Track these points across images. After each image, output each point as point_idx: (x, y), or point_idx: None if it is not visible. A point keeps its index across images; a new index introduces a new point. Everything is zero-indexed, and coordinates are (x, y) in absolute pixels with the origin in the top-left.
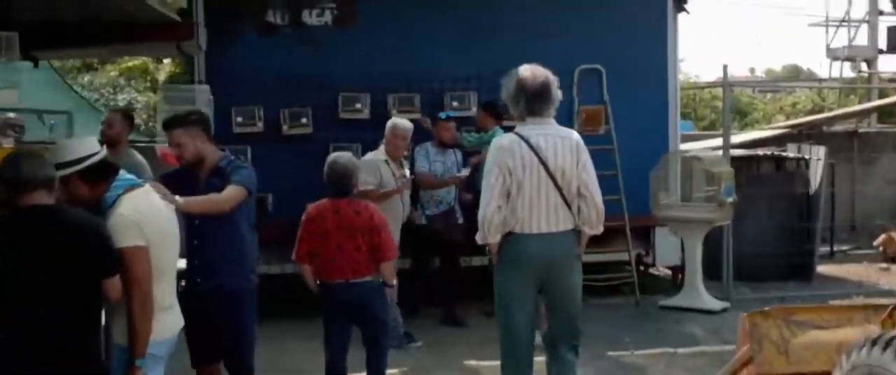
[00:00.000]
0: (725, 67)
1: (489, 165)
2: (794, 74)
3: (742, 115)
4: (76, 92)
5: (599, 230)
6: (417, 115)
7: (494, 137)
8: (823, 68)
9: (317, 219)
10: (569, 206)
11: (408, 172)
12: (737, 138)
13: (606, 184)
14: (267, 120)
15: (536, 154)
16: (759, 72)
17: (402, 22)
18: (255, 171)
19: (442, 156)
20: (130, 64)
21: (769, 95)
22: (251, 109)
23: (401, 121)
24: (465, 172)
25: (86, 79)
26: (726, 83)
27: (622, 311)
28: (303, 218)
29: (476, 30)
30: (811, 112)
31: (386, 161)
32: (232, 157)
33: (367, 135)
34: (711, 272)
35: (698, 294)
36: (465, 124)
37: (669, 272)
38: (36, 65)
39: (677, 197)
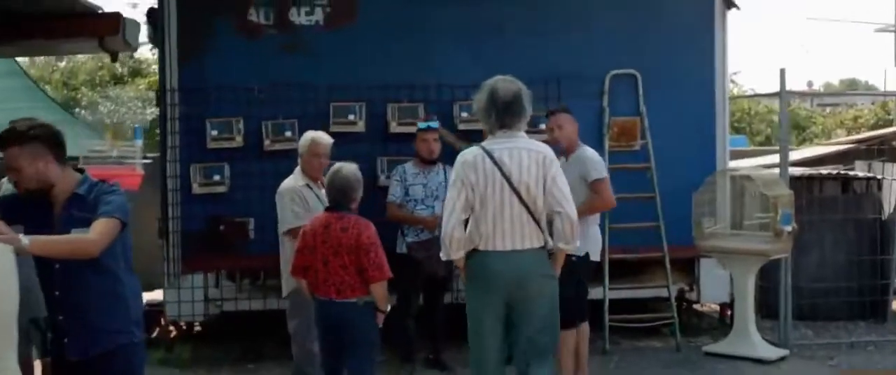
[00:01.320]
0: (783, 72)
1: (452, 180)
2: (853, 87)
3: (800, 130)
4: (54, 101)
5: (575, 245)
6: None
7: None
8: (888, 80)
9: (308, 233)
10: (537, 223)
11: None
12: (795, 155)
13: (642, 207)
14: (247, 133)
15: (499, 169)
16: (817, 86)
17: (405, 21)
18: (125, 197)
19: (423, 177)
20: None
21: (828, 109)
22: (228, 121)
23: (321, 135)
24: None
25: (114, 92)
26: (784, 91)
27: (659, 358)
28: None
29: (490, 30)
30: (875, 126)
31: (307, 185)
32: (95, 181)
33: (362, 149)
34: (766, 309)
35: (750, 338)
36: (476, 138)
37: (717, 308)
38: None
39: (726, 224)
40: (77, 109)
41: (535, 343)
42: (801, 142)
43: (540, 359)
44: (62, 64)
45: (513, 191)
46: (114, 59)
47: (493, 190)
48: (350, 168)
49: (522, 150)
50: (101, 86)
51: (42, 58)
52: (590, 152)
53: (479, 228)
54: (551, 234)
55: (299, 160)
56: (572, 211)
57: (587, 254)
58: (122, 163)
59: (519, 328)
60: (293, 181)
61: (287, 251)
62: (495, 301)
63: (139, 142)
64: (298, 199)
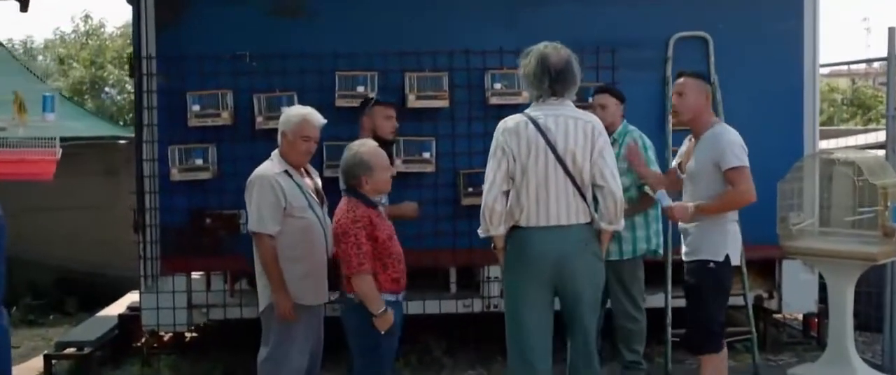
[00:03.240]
0: (892, 31)
1: (492, 148)
2: None
3: (864, 110)
4: (40, 79)
5: (620, 225)
6: (444, 102)
7: (625, 135)
8: None
9: None
10: (583, 197)
11: (319, 181)
12: (865, 138)
13: None
14: (237, 108)
15: (544, 136)
16: (876, 64)
17: None
18: None
19: None
20: None
21: None
22: (214, 95)
23: (314, 113)
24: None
25: None
26: (893, 53)
27: None
28: None
29: None
30: None
31: (286, 172)
32: None
33: None
34: (860, 317)
35: (849, 362)
36: (513, 113)
37: (800, 319)
38: None
39: (815, 219)
40: (105, 88)
41: (589, 340)
42: (867, 122)
43: (591, 357)
44: (91, 41)
45: (558, 161)
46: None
47: (535, 160)
48: (351, 151)
49: (569, 118)
50: (129, 63)
51: (71, 35)
52: (726, 131)
53: (519, 201)
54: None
55: (281, 140)
56: (617, 187)
57: (728, 258)
58: (34, 145)
59: (574, 319)
60: (269, 167)
61: (253, 250)
62: (538, 284)
63: (51, 116)
64: (270, 191)
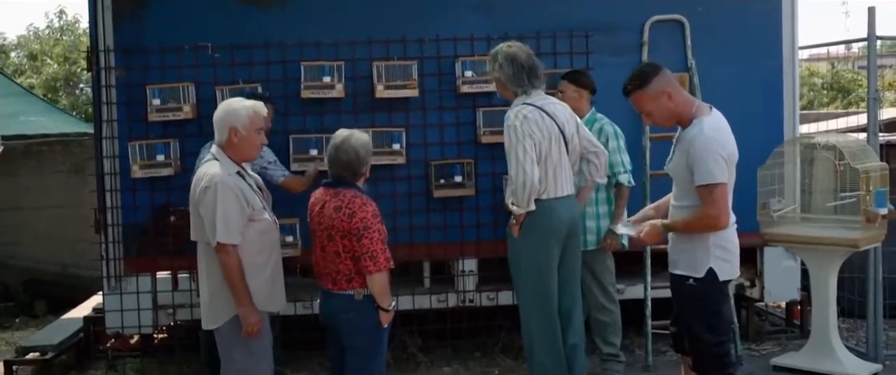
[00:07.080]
0: (871, 11)
1: (519, 136)
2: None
3: (844, 94)
4: (21, 86)
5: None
6: (414, 91)
7: (593, 123)
8: None
9: (310, 212)
10: (570, 169)
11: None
12: (846, 121)
13: None
14: (199, 102)
15: (555, 122)
16: (855, 48)
17: None
18: None
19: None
20: None
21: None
22: (175, 88)
23: (260, 104)
24: None
25: None
26: (873, 35)
27: None
28: None
29: None
30: None
31: (239, 173)
32: None
33: (343, 121)
34: (842, 303)
35: (832, 350)
36: (485, 101)
37: (783, 307)
38: None
39: (796, 205)
40: (80, 85)
41: (576, 291)
42: (848, 106)
43: (578, 307)
44: (65, 37)
45: (564, 143)
46: None
47: (550, 143)
48: (356, 139)
49: (557, 104)
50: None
51: (45, 31)
52: (702, 133)
53: (546, 178)
54: None
55: (228, 136)
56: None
57: (712, 273)
58: None
59: (569, 273)
60: (221, 169)
61: (204, 260)
62: (556, 244)
63: None
64: (234, 198)
